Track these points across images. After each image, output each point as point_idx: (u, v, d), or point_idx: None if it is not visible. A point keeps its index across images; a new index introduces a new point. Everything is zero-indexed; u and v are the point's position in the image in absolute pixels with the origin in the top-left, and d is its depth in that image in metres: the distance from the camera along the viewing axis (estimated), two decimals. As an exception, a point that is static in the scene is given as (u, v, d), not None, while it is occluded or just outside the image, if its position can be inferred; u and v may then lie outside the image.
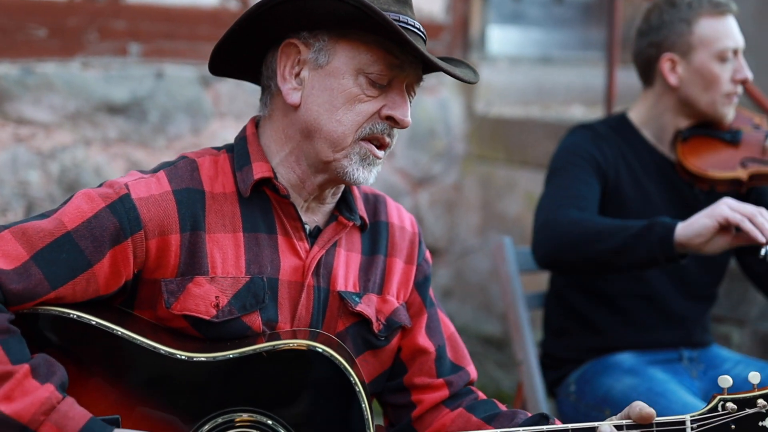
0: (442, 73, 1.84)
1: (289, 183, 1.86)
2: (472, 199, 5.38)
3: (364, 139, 1.81)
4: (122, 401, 1.69)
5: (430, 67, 1.83)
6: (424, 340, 1.99)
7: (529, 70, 5.84)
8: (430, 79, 1.99)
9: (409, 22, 1.80)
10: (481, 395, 2.03)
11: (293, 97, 1.82)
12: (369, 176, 1.84)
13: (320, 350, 1.71)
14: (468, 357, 2.06)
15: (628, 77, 5.46)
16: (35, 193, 4.05)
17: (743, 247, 2.57)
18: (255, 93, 4.76)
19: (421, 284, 2.02)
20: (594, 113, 5.73)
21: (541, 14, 6.18)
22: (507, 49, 5.75)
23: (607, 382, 2.82)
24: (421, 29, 1.83)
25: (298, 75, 1.83)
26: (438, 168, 5.28)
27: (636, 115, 3.01)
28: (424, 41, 1.85)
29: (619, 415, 1.76)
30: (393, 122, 1.82)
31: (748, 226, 2.41)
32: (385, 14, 1.72)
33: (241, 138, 1.92)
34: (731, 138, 2.91)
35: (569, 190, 2.79)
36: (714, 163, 2.89)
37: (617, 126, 3.00)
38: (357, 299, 1.90)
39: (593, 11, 6.43)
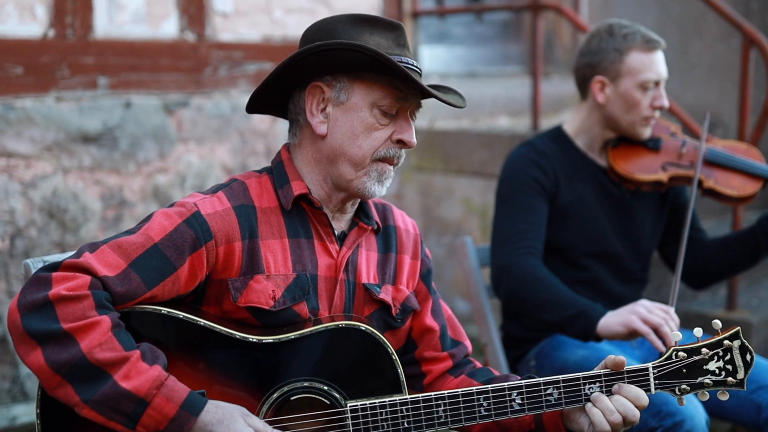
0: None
1: (319, 197, 2.28)
2: (413, 207, 5.82)
3: (380, 160, 2.25)
4: (205, 378, 2.08)
5: (426, 95, 2.27)
6: (430, 320, 2.43)
7: (457, 85, 6.20)
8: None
9: (409, 62, 2.23)
10: (478, 364, 2.48)
11: (321, 129, 2.24)
12: (382, 190, 2.27)
13: (363, 328, 2.15)
14: (464, 334, 2.51)
15: (547, 87, 6.00)
16: (19, 221, 4.35)
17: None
18: (213, 118, 5.18)
19: (425, 276, 2.47)
20: (519, 122, 6.23)
21: (464, 33, 6.66)
22: (436, 67, 6.19)
23: (563, 356, 3.29)
24: (417, 66, 2.27)
25: (323, 110, 2.24)
26: (382, 179, 5.70)
27: (570, 127, 3.48)
28: (420, 75, 2.29)
29: (596, 368, 2.22)
30: (402, 144, 2.25)
31: (652, 338, 2.88)
32: (393, 59, 2.16)
33: (279, 162, 2.32)
34: (653, 145, 3.41)
35: (520, 225, 3.24)
36: (639, 167, 3.38)
37: (555, 138, 3.47)
38: (378, 289, 2.33)
39: (510, 28, 6.95)
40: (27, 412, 4.19)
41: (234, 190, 2.23)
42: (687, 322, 4.77)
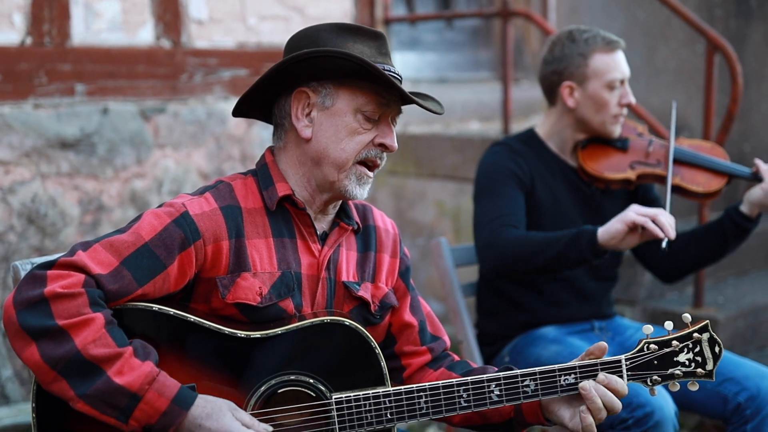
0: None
1: (303, 198, 2.36)
2: (386, 210, 5.90)
3: (361, 162, 2.33)
4: (195, 372, 2.15)
5: (407, 102, 2.36)
6: (409, 316, 2.52)
7: (428, 90, 6.28)
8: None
9: (392, 71, 2.32)
10: (456, 357, 2.57)
11: (306, 133, 2.33)
12: (363, 192, 2.36)
13: (347, 324, 2.24)
14: (443, 329, 2.60)
15: (516, 93, 6.11)
16: (-1, 226, 4.40)
17: (649, 241, 3.18)
18: (189, 124, 5.24)
19: (404, 273, 2.55)
20: (490, 127, 6.34)
21: (435, 39, 6.76)
22: (407, 73, 6.27)
23: (536, 351, 3.39)
24: (399, 74, 2.36)
25: (308, 115, 2.33)
26: (356, 183, 5.79)
27: (542, 130, 3.59)
28: (401, 82, 2.37)
29: (578, 358, 2.31)
30: (384, 148, 2.35)
31: (650, 225, 3.01)
32: (378, 67, 2.24)
33: (263, 164, 2.40)
34: (621, 145, 3.52)
35: (501, 209, 3.33)
36: (608, 166, 3.50)
37: (528, 140, 3.57)
38: (357, 287, 2.41)
39: (480, 34, 7.06)
40: (9, 415, 4.23)
41: (220, 192, 2.31)
42: (655, 319, 4.89)
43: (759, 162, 3.41)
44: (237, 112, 2.43)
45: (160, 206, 2.26)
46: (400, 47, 6.43)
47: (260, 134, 5.33)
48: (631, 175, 3.47)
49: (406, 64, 6.36)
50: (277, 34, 5.44)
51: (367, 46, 2.30)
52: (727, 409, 3.27)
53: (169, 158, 4.98)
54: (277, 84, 2.33)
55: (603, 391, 2.24)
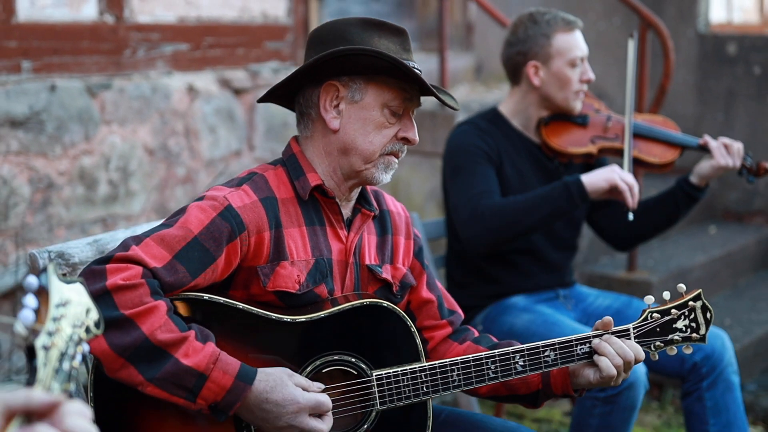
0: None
1: (330, 187, 2.48)
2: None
3: (386, 154, 2.46)
4: (245, 356, 2.26)
5: (427, 93, 2.49)
6: (426, 293, 2.67)
7: (358, 62, 6.49)
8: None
9: (416, 67, 2.45)
10: (476, 332, 2.72)
11: (334, 124, 2.44)
12: (388, 177, 2.49)
13: (385, 305, 2.38)
14: (456, 303, 2.76)
15: (439, 64, 6.23)
16: (-50, 206, 4.34)
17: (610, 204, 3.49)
18: (134, 99, 5.22)
19: (418, 253, 2.70)
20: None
21: (362, 10, 6.87)
22: (338, 45, 6.36)
23: (509, 320, 3.60)
24: (420, 69, 2.48)
25: (336, 107, 2.44)
26: (295, 155, 5.87)
27: (506, 109, 3.77)
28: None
29: (591, 332, 2.49)
30: (406, 141, 2.48)
31: (627, 196, 3.33)
32: (409, 66, 2.37)
33: (291, 155, 2.50)
34: (581, 121, 3.74)
35: (478, 187, 3.51)
36: (571, 141, 3.71)
37: (493, 119, 3.75)
38: (380, 270, 2.55)
39: (404, 5, 7.19)
40: None
41: (257, 183, 2.41)
42: (592, 282, 5.17)
43: (708, 138, 3.67)
44: (262, 99, 2.52)
45: (200, 199, 2.34)
46: (329, 18, 6.49)
47: (202, 109, 5.36)
48: (592, 149, 3.69)
49: (336, 35, 6.42)
50: (215, 8, 5.46)
51: (392, 42, 2.42)
52: (684, 368, 3.54)
53: (116, 134, 4.96)
54: (306, 75, 2.43)
55: (612, 340, 2.44)
